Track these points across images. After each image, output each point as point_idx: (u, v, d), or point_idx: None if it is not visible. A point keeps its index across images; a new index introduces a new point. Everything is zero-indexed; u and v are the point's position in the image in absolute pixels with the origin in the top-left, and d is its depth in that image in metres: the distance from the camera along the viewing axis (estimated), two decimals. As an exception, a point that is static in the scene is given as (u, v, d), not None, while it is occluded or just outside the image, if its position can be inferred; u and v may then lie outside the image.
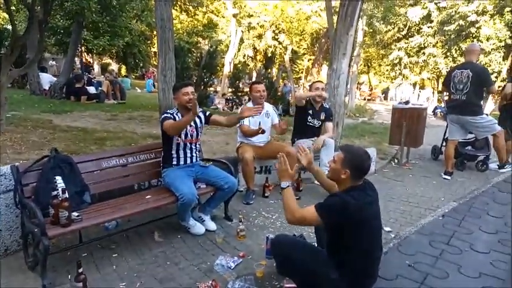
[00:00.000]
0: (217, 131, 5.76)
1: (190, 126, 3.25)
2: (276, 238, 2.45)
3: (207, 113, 3.50)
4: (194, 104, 2.96)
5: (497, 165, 5.53)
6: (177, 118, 3.21)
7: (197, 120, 3.33)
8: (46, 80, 11.00)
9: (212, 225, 3.33)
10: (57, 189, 2.44)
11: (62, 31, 16.62)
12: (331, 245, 2.17)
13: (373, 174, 5.36)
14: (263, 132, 3.77)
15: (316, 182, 3.94)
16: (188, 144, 3.29)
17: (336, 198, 2.08)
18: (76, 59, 15.48)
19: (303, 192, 4.39)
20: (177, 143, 3.24)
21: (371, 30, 21.50)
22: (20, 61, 8.46)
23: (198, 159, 3.43)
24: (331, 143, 4.39)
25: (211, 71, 10.00)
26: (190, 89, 3.24)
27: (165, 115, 3.20)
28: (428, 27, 19.89)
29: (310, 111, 4.55)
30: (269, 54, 20.99)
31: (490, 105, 14.10)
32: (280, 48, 21.22)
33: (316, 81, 4.81)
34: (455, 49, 18.74)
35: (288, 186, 2.26)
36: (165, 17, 6.21)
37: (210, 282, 2.46)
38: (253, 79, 25.44)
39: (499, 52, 17.42)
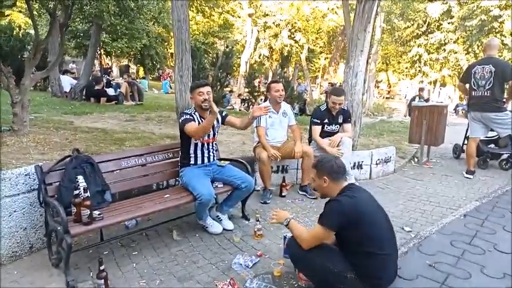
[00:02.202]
0: (234, 131, 5.77)
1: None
2: (292, 238, 2.45)
3: (224, 113, 3.51)
4: (211, 104, 2.98)
5: (522, 164, 5.37)
6: (195, 118, 3.23)
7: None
8: (67, 82, 11.25)
9: (230, 225, 3.35)
10: (79, 188, 2.50)
11: (81, 34, 17.03)
12: (341, 247, 2.22)
13: (393, 174, 5.28)
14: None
15: None
16: (205, 144, 3.31)
17: (329, 203, 2.20)
18: (96, 61, 15.80)
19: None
20: (194, 143, 3.26)
21: (389, 27, 21.15)
22: (42, 64, 8.70)
23: (215, 158, 3.45)
24: (349, 142, 4.34)
25: (227, 71, 10.01)
26: (206, 89, 3.23)
27: (185, 117, 3.19)
28: (449, 23, 19.40)
29: (326, 120, 4.40)
30: (285, 54, 20.89)
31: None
32: (297, 47, 21.13)
33: (335, 94, 4.34)
34: (477, 45, 18.20)
35: (288, 221, 2.37)
36: (182, 18, 6.28)
37: (228, 280, 2.48)
38: (269, 79, 25.43)
39: (524, 47, 16.86)
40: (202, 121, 3.24)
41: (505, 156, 5.56)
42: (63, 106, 8.30)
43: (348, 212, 2.08)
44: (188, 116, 3.19)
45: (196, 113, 3.27)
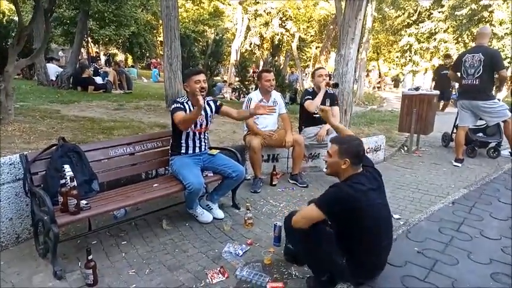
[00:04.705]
0: (225, 120, 5.73)
1: (200, 115, 3.22)
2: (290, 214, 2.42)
3: (218, 103, 3.44)
4: (198, 97, 2.92)
5: (510, 152, 5.44)
6: (187, 107, 3.17)
7: (207, 109, 3.30)
8: (53, 70, 11.04)
9: (220, 214, 3.34)
10: (66, 178, 2.45)
11: (68, 21, 16.64)
12: (337, 234, 2.17)
13: (382, 162, 5.31)
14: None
15: (324, 169, 3.93)
16: (197, 133, 3.27)
17: (333, 189, 2.09)
18: (83, 49, 15.51)
19: (311, 180, 4.37)
20: (186, 132, 3.21)
21: (380, 16, 21.10)
22: (27, 52, 8.49)
23: (206, 148, 3.41)
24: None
25: (217, 59, 9.93)
26: (202, 76, 3.15)
27: (176, 105, 3.13)
28: (439, 12, 19.42)
29: None
30: (276, 42, 20.72)
31: (503, 92, 13.79)
32: (288, 36, 20.96)
33: (319, 68, 4.68)
34: (467, 34, 18.29)
35: None
36: (171, 5, 6.18)
37: (219, 269, 2.48)
38: (260, 67, 25.29)
39: (512, 37, 16.99)
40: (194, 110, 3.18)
41: (493, 144, 5.62)
42: (49, 95, 8.16)
43: (345, 202, 2.00)
44: (179, 105, 3.13)
45: (189, 102, 3.21)
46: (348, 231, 2.08)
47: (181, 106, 3.14)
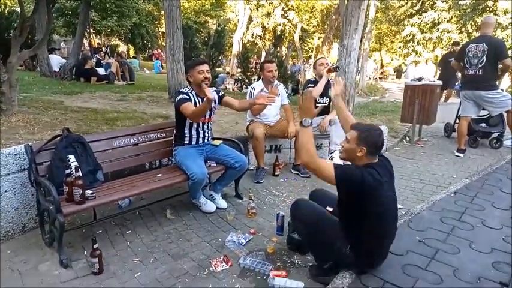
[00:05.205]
0: (227, 111, 5.72)
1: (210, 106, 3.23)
2: (296, 202, 2.44)
3: (221, 93, 3.46)
4: (205, 90, 2.90)
5: (512, 142, 5.44)
6: (191, 97, 3.17)
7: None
8: (55, 61, 11.03)
9: (223, 203, 3.37)
10: (71, 168, 2.48)
11: (69, 12, 16.58)
12: (345, 220, 2.16)
13: (385, 153, 5.31)
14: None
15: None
16: (201, 123, 3.27)
17: (357, 170, 2.02)
18: (85, 40, 15.45)
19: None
20: (190, 122, 3.22)
21: (383, 6, 20.87)
22: (29, 43, 8.48)
23: (209, 138, 3.42)
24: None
25: (219, 50, 9.89)
26: (206, 67, 3.15)
27: (182, 96, 3.11)
28: (443, 1, 19.17)
29: None
30: (278, 33, 20.57)
31: (506, 82, 13.69)
32: (290, 27, 20.79)
33: (320, 58, 4.69)
34: (471, 24, 18.09)
35: (310, 124, 2.15)
36: (173, -5, 6.13)
37: (222, 257, 2.52)
38: (262, 58, 25.14)
39: (517, 26, 16.80)
40: (199, 100, 3.19)
41: (495, 134, 5.61)
42: (52, 86, 8.16)
43: (357, 185, 1.96)
44: (184, 96, 3.12)
45: (193, 92, 3.21)
46: (355, 218, 2.07)
47: (187, 97, 3.13)
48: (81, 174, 2.49)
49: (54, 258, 2.48)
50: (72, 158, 2.56)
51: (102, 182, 2.90)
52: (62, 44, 18.41)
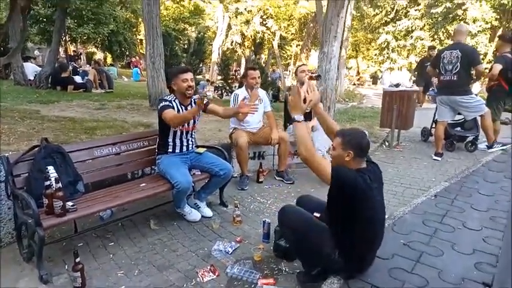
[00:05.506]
0: (210, 118, 5.69)
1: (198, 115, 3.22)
2: (284, 209, 2.43)
3: (205, 101, 3.43)
4: (203, 97, 2.95)
5: (486, 145, 5.62)
6: (175, 105, 3.14)
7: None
8: (30, 70, 10.73)
9: (208, 212, 3.33)
10: (50, 179, 2.40)
11: (44, 19, 16.20)
12: (335, 225, 2.17)
13: (366, 157, 5.39)
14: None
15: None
16: (185, 132, 3.25)
17: (351, 173, 2.03)
18: (61, 48, 15.13)
19: (297, 177, 4.41)
20: (174, 131, 3.19)
21: (359, 14, 21.38)
22: (3, 51, 8.21)
23: (193, 146, 3.39)
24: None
25: (200, 58, 9.87)
26: (189, 75, 3.16)
27: (164, 103, 3.09)
28: (416, 10, 19.84)
29: None
30: (258, 40, 20.73)
31: (476, 87, 14.19)
32: (269, 34, 21.00)
33: (301, 65, 4.77)
34: (442, 32, 18.78)
35: (303, 120, 2.22)
36: (152, 2, 6.10)
37: (209, 267, 2.48)
38: (242, 66, 25.23)
39: (485, 34, 17.52)
40: (182, 109, 3.17)
41: (470, 138, 5.79)
42: (27, 95, 7.93)
43: (351, 188, 1.98)
44: (167, 103, 3.10)
45: (176, 100, 3.19)
46: (346, 222, 2.08)
47: (170, 104, 3.11)
48: (61, 186, 2.42)
49: (34, 273, 2.38)
50: (51, 169, 2.48)
51: (83, 193, 2.82)
52: (36, 52, 17.94)
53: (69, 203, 2.48)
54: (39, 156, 2.68)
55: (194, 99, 3.32)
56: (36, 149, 2.73)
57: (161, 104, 3.09)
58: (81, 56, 20.04)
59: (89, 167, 3.03)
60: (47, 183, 2.42)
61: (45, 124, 5.02)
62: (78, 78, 10.69)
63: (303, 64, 4.98)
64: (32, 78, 10.36)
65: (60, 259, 2.59)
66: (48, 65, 10.29)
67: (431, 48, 11.13)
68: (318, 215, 2.37)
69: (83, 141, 4.12)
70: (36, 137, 4.10)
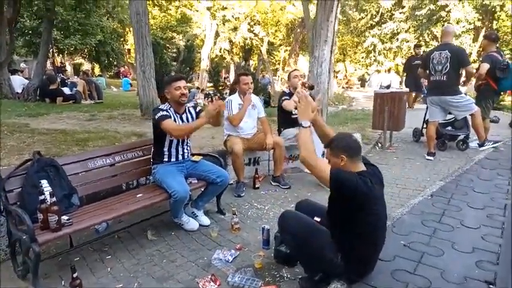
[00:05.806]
0: (204, 126, 5.68)
1: (183, 122, 3.19)
2: (284, 214, 2.42)
3: (198, 109, 3.42)
4: (218, 107, 2.99)
5: (478, 144, 5.69)
6: (171, 114, 3.11)
7: (189, 116, 3.28)
8: (18, 82, 10.58)
9: (206, 220, 3.30)
10: (44, 194, 2.35)
11: (30, 31, 16.04)
12: (337, 229, 2.16)
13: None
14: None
15: (305, 170, 3.96)
16: (180, 141, 3.21)
17: (352, 176, 2.02)
18: (48, 60, 14.97)
19: (293, 181, 4.40)
20: (169, 140, 3.15)
21: (345, 19, 21.64)
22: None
23: (189, 155, 3.36)
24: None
25: (189, 66, 9.85)
26: (183, 83, 3.15)
27: (162, 113, 3.04)
28: (400, 13, 20.17)
29: None
30: (246, 47, 20.79)
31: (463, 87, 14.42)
32: (257, 40, 21.09)
33: (294, 70, 4.77)
34: (427, 33, 19.11)
35: (309, 126, 2.27)
36: (141, 11, 6.08)
37: (210, 277, 2.44)
38: (231, 72, 25.27)
39: (469, 34, 17.88)
40: (177, 117, 3.15)
41: (461, 137, 5.86)
42: (16, 108, 7.81)
43: (354, 191, 1.98)
44: (165, 113, 3.06)
45: (171, 109, 3.16)
46: (348, 226, 2.07)
47: (167, 113, 3.07)
48: (56, 200, 2.37)
49: (30, 291, 2.32)
50: (45, 183, 2.44)
51: (78, 206, 2.77)
52: (23, 65, 17.73)
53: (65, 217, 2.42)
54: (32, 170, 2.62)
55: (188, 108, 3.30)
56: (29, 163, 2.68)
57: (158, 114, 3.04)
58: (66, 67, 19.86)
59: (83, 180, 2.98)
60: (41, 197, 2.37)
61: (35, 137, 4.94)
62: (66, 90, 10.56)
63: (295, 69, 4.98)
64: (19, 91, 10.22)
65: (57, 275, 2.53)
66: (36, 78, 10.15)
67: (417, 46, 11.15)
68: (318, 219, 2.36)
69: (75, 153, 4.05)
70: (27, 151, 4.03)
